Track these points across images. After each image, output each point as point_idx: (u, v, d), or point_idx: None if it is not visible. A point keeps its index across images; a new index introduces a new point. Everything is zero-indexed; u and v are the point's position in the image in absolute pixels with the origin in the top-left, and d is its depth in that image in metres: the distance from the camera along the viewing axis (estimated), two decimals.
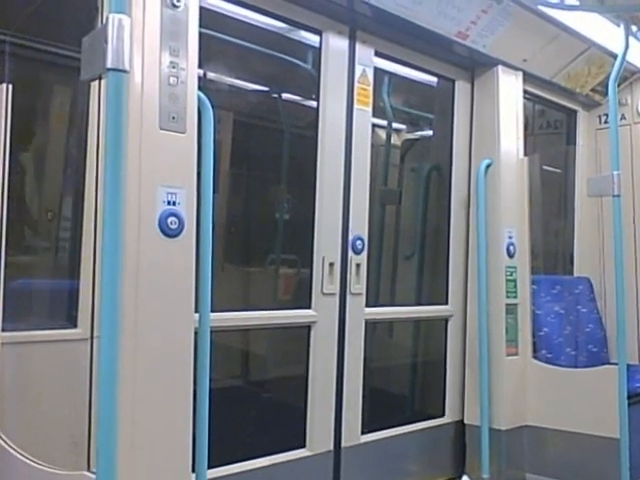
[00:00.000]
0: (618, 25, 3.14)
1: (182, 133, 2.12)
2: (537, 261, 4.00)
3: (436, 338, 3.65)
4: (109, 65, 1.40)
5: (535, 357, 3.60)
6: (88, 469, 1.95)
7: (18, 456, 1.82)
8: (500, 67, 3.53)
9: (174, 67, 2.10)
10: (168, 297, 2.10)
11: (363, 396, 3.08)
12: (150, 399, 2.04)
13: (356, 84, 3.04)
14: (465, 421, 3.53)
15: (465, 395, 3.54)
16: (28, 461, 1.80)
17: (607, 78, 3.19)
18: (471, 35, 3.19)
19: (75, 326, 2.22)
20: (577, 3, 3.17)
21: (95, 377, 2.05)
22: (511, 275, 3.49)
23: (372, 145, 3.18)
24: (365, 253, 3.08)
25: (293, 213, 3.40)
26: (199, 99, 2.20)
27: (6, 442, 1.84)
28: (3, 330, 1.91)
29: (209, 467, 2.23)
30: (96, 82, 2.06)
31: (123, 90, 1.44)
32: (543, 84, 3.89)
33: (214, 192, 2.26)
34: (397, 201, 3.94)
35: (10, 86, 1.88)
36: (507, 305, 3.46)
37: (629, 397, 3.03)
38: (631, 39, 3.09)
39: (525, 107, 3.79)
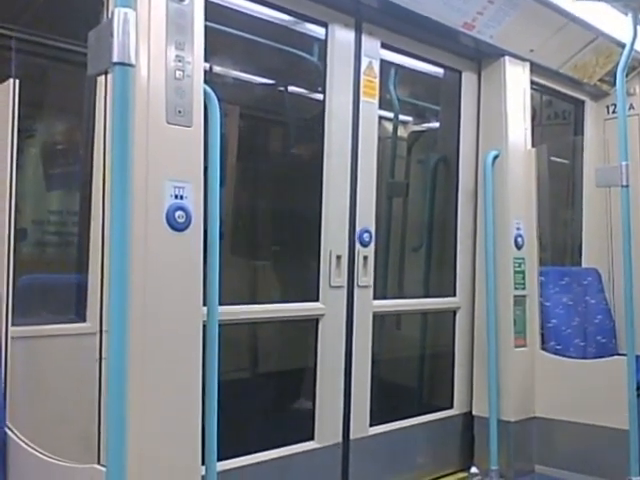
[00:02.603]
0: (626, 14, 3.12)
1: (189, 127, 2.13)
2: (545, 252, 3.98)
3: (444, 330, 3.65)
4: (115, 59, 1.40)
5: (544, 348, 3.60)
6: (98, 462, 1.96)
7: (28, 449, 1.83)
8: (507, 58, 3.52)
9: (180, 61, 2.10)
10: (176, 291, 2.10)
11: (371, 388, 3.09)
12: (159, 392, 2.05)
13: (362, 76, 3.03)
14: (473, 413, 3.53)
15: (473, 387, 3.54)
16: (38, 454, 1.81)
17: (615, 68, 3.17)
18: (477, 26, 3.17)
19: (84, 320, 2.23)
20: None
21: (104, 371, 2.06)
22: (519, 266, 3.48)
23: (379, 137, 3.17)
24: (372, 245, 3.08)
25: (300, 206, 3.40)
26: (205, 93, 2.20)
27: (17, 435, 1.86)
28: (13, 324, 1.92)
29: (218, 459, 2.24)
30: (102, 76, 2.06)
31: (129, 84, 1.44)
32: (550, 74, 3.87)
33: (221, 185, 2.26)
34: (404, 193, 3.93)
35: (17, 81, 1.88)
36: (515, 297, 3.45)
37: (638, 388, 3.03)
38: (639, 28, 3.06)
39: (532, 98, 3.77)
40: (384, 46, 3.16)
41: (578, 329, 3.90)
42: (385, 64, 3.23)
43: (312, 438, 2.90)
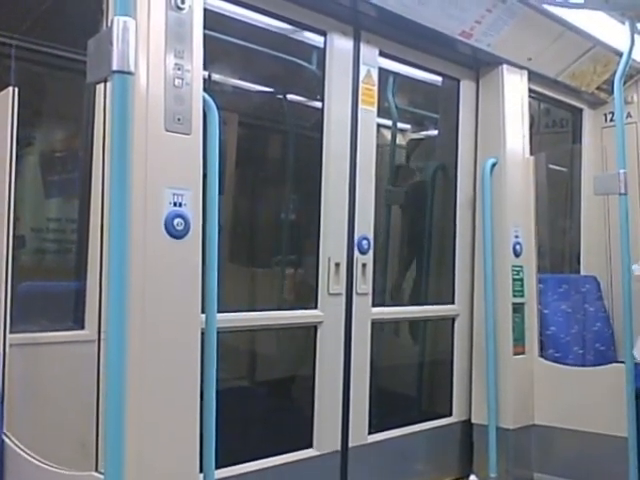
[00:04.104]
0: (623, 23, 3.13)
1: (187, 134, 2.13)
2: (544, 260, 3.99)
3: (443, 338, 3.65)
4: (114, 67, 1.41)
5: (542, 356, 3.59)
6: (96, 469, 1.96)
7: (26, 457, 1.82)
8: (505, 66, 3.53)
9: (179, 69, 2.11)
10: (175, 298, 2.10)
11: (370, 396, 3.08)
12: (157, 399, 2.05)
13: (361, 84, 3.04)
14: (472, 420, 3.52)
15: (472, 394, 3.54)
16: (36, 462, 1.81)
17: (613, 76, 3.18)
18: (475, 34, 3.19)
19: (82, 327, 2.23)
20: (582, 1, 3.16)
21: (102, 378, 2.06)
22: (518, 274, 3.48)
23: (377, 145, 3.18)
24: (371, 253, 3.08)
25: (298, 214, 3.41)
26: (204, 100, 2.21)
27: (15, 443, 1.85)
28: (11, 332, 1.92)
29: (217, 467, 2.23)
30: (102, 84, 2.07)
31: (129, 92, 1.45)
32: (548, 83, 3.88)
33: (220, 193, 2.27)
34: (403, 201, 3.94)
35: (16, 89, 1.89)
36: (514, 304, 3.45)
37: (637, 396, 3.02)
38: (636, 37, 3.07)
39: (530, 106, 3.78)
40: (382, 54, 3.17)
41: (577, 336, 3.90)
42: (383, 72, 3.24)
43: (311, 446, 2.90)
